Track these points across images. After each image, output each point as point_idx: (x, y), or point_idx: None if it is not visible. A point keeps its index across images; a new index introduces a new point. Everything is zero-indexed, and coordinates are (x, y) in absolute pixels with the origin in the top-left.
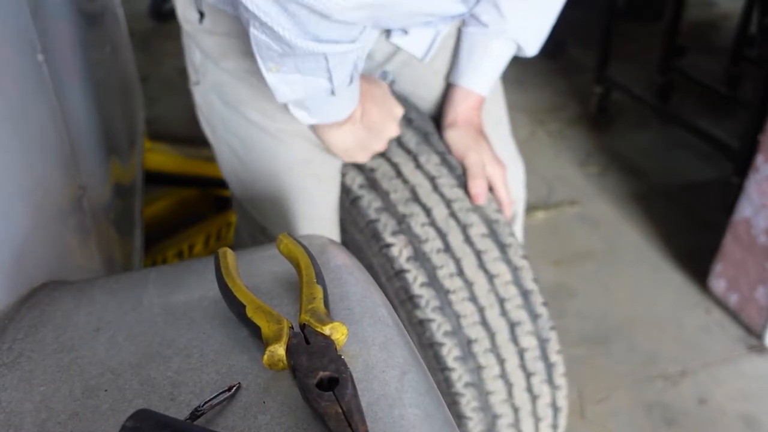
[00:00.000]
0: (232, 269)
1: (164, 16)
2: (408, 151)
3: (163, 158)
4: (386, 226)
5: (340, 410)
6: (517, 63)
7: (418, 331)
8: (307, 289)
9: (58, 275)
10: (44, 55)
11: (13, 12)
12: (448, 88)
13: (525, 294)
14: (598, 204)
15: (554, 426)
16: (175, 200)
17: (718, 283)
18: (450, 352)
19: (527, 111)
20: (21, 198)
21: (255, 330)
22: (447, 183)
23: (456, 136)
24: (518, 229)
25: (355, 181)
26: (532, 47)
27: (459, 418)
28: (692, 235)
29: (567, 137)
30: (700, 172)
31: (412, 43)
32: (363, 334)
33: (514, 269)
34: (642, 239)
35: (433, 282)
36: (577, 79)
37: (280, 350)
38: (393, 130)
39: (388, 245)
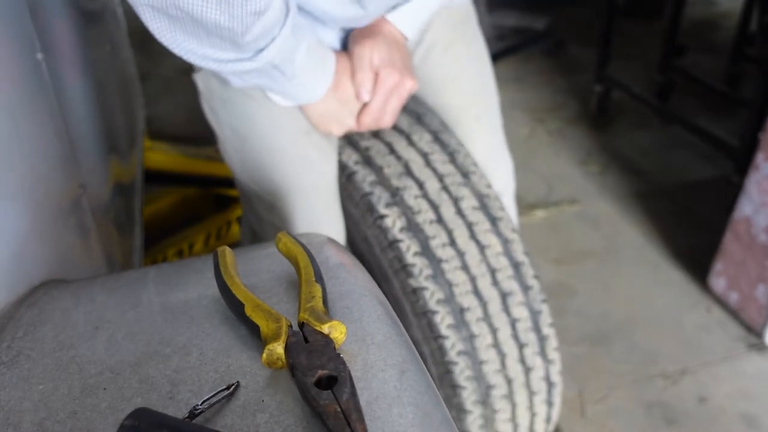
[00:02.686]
0: (231, 268)
1: None
2: (401, 131)
3: (163, 157)
4: (380, 198)
5: (338, 409)
6: (517, 62)
7: (411, 299)
8: (306, 287)
9: (58, 274)
10: (43, 53)
11: (12, 11)
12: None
13: (516, 266)
14: (599, 203)
15: (549, 402)
16: (175, 199)
17: (718, 281)
18: (443, 320)
19: (527, 110)
20: (20, 197)
21: (254, 328)
22: (439, 159)
23: (353, 33)
24: (511, 216)
25: (351, 157)
26: None
27: (453, 387)
28: (692, 234)
29: (567, 136)
30: (700, 171)
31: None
32: (362, 332)
33: (505, 241)
34: (642, 238)
35: (426, 251)
36: (577, 78)
37: (278, 349)
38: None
39: (382, 216)
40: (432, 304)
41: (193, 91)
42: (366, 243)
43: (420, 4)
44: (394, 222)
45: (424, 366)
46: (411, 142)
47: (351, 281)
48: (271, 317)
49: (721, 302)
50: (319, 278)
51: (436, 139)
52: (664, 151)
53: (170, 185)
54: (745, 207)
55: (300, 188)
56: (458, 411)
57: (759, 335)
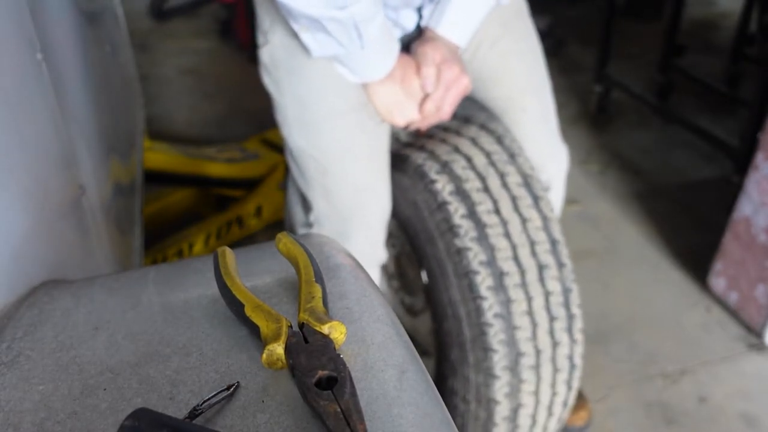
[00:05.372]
0: (231, 268)
1: (164, 15)
2: (449, 129)
3: (162, 157)
4: (431, 167)
5: (338, 409)
6: None
7: (455, 260)
8: (306, 288)
9: (58, 274)
10: (43, 54)
11: (12, 11)
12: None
13: (553, 242)
14: (599, 203)
15: (569, 385)
16: (174, 199)
17: (717, 281)
18: (484, 281)
19: None
20: (20, 197)
21: (254, 329)
22: (486, 140)
23: (415, 42)
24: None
25: (405, 148)
26: None
27: (485, 350)
28: (692, 234)
29: (567, 136)
30: (700, 171)
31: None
32: (362, 333)
33: (544, 218)
34: (642, 238)
35: (473, 215)
36: (577, 78)
37: (278, 349)
38: None
39: (433, 181)
40: (474, 265)
41: (193, 92)
42: (414, 207)
43: (468, 14)
44: (443, 186)
45: (423, 366)
46: (459, 133)
47: (351, 281)
48: (271, 317)
49: (720, 302)
50: (319, 278)
51: (483, 126)
52: (664, 150)
53: (170, 185)
54: (744, 207)
55: (354, 153)
56: (486, 376)
57: (759, 335)
